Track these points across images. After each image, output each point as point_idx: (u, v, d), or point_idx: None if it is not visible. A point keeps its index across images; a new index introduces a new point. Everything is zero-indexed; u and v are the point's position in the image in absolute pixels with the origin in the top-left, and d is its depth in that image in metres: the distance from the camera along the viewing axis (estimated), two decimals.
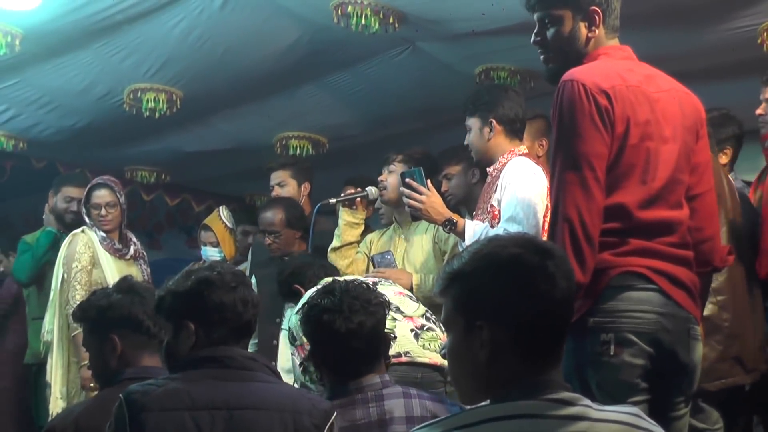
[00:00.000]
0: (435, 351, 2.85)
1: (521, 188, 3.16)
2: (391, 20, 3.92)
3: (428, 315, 3.00)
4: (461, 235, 3.29)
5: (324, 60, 4.52)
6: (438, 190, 3.56)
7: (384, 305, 2.48)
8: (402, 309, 2.98)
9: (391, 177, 3.97)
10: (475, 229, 3.24)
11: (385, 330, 2.51)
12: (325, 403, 2.20)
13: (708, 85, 2.97)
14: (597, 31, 2.38)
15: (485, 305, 1.54)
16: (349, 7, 3.81)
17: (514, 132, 3.43)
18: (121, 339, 2.57)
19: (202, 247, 5.32)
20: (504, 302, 1.53)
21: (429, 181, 3.42)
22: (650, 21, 3.53)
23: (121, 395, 2.06)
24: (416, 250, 3.88)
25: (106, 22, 4.13)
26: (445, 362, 2.79)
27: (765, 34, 3.82)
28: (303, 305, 2.60)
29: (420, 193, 3.35)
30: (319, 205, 4.00)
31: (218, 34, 4.26)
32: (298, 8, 4.07)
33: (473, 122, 3.44)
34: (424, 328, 2.87)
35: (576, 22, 2.37)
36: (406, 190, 3.38)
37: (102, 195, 4.57)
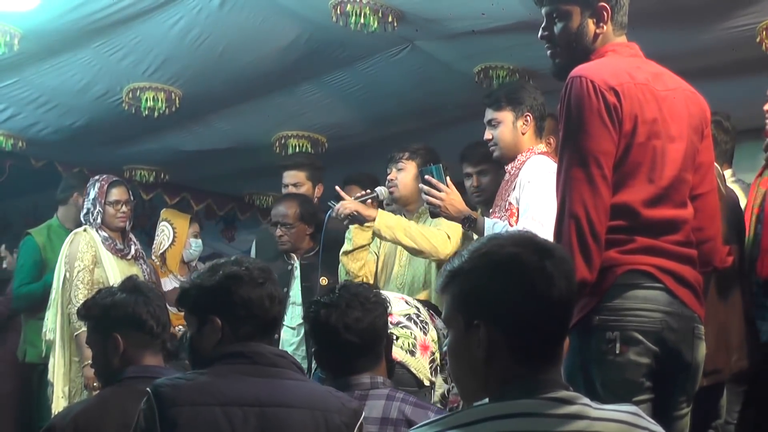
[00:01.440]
0: (403, 348, 2.82)
1: (541, 187, 3.15)
2: (390, 19, 3.92)
3: (412, 316, 2.99)
4: (480, 232, 3.29)
5: (323, 59, 4.52)
6: (457, 186, 3.54)
7: (383, 304, 2.48)
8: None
9: (400, 175, 3.97)
10: (494, 227, 3.23)
11: (387, 330, 2.52)
12: (354, 402, 2.19)
13: (707, 83, 2.97)
14: (605, 28, 2.37)
15: (482, 304, 1.53)
16: (348, 5, 3.81)
17: (540, 129, 3.45)
18: (124, 338, 2.58)
19: (191, 240, 5.30)
20: (501, 302, 1.52)
21: (448, 177, 3.42)
22: (649, 20, 3.52)
23: (148, 389, 2.03)
24: None
25: (104, 21, 4.13)
26: (408, 360, 2.79)
27: (764, 32, 3.82)
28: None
29: (439, 190, 3.34)
30: (330, 210, 3.99)
31: (217, 33, 4.26)
32: (297, 7, 4.07)
33: (504, 116, 3.42)
34: (399, 325, 2.86)
35: (584, 17, 2.36)
36: (426, 187, 3.37)
37: (122, 192, 4.58)
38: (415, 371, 2.78)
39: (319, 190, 4.80)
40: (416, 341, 2.84)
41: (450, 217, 3.39)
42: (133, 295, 2.62)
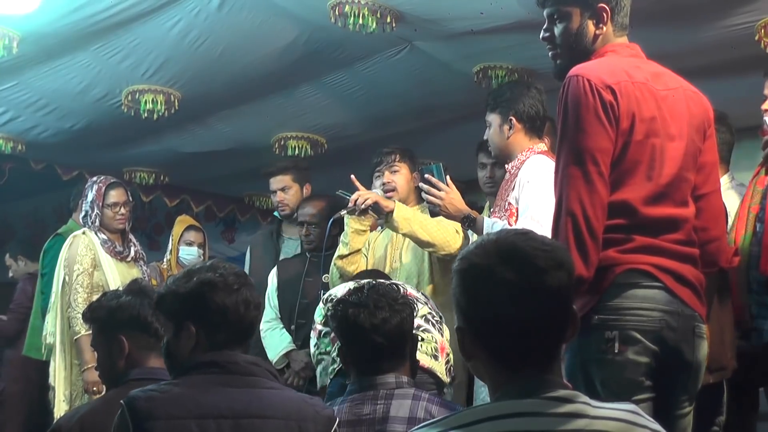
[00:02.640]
0: (425, 353, 2.83)
1: (540, 186, 3.16)
2: (388, 19, 3.92)
3: (429, 318, 3.00)
4: (480, 232, 3.31)
5: (321, 60, 4.52)
6: (457, 185, 3.55)
7: (410, 305, 2.50)
8: None
9: (396, 177, 4.02)
10: (493, 227, 3.25)
11: (413, 331, 2.53)
12: (328, 409, 2.20)
13: (706, 82, 2.97)
14: (605, 29, 2.39)
15: (457, 309, 1.56)
16: (347, 6, 3.81)
17: (534, 130, 3.44)
18: (129, 340, 2.60)
19: (182, 247, 5.28)
20: (468, 309, 1.54)
21: (448, 176, 3.44)
22: (648, 18, 3.52)
23: (122, 402, 2.02)
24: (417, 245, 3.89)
25: (103, 24, 4.12)
26: (433, 365, 2.80)
27: (762, 30, 3.81)
28: (336, 299, 2.63)
29: (440, 189, 3.37)
30: (331, 220, 3.99)
31: (216, 35, 4.26)
32: (296, 8, 4.07)
33: (493, 118, 3.45)
34: (420, 329, 2.88)
35: (584, 19, 2.39)
36: (426, 186, 3.40)
37: (120, 194, 4.59)
38: (439, 375, 2.79)
39: (308, 190, 4.81)
40: (437, 344, 2.86)
41: (450, 216, 3.41)
42: (139, 297, 2.65)
